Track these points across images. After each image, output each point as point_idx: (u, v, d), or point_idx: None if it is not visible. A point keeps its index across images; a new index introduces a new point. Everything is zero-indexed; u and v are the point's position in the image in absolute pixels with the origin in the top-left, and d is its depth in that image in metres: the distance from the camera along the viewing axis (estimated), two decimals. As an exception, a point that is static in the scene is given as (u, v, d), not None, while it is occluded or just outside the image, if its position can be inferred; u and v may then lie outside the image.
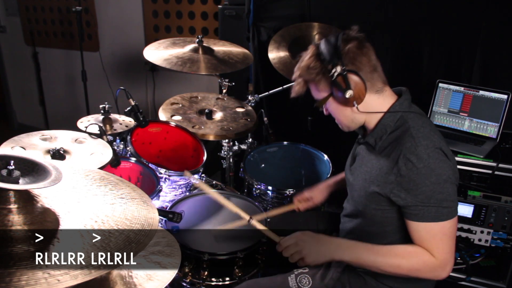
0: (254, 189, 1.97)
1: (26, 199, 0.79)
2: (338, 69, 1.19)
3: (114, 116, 1.85)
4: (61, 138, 1.53)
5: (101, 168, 1.38)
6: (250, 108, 2.32)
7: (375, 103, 1.26)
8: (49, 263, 0.71)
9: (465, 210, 1.99)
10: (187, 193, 1.91)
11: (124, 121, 1.86)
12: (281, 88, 2.40)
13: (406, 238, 1.24)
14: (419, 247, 1.20)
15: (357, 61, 1.20)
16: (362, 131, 1.40)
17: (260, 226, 1.42)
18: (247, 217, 1.42)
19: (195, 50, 2.20)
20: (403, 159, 1.16)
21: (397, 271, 1.23)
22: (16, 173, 0.78)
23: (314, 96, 1.32)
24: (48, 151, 1.42)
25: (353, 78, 1.20)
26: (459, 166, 1.93)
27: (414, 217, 1.19)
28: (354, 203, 1.38)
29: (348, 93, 1.20)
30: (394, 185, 1.19)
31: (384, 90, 1.27)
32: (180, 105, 2.26)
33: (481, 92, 2.08)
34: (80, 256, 0.73)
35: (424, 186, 1.15)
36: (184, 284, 1.54)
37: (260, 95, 2.43)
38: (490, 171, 1.90)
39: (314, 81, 1.27)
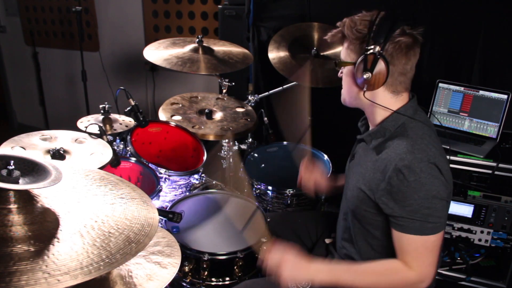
0: (254, 189, 1.97)
1: (26, 199, 0.79)
2: (376, 49, 1.16)
3: (114, 116, 1.85)
4: (61, 138, 1.53)
5: (101, 168, 1.38)
6: (250, 108, 2.32)
7: (386, 101, 1.24)
8: (49, 263, 0.71)
9: (465, 210, 1.99)
10: (187, 193, 1.91)
11: (124, 121, 1.87)
12: (281, 88, 2.41)
13: None
14: (397, 261, 1.20)
15: (396, 55, 1.17)
16: (364, 128, 1.40)
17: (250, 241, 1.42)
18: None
19: (195, 50, 2.20)
20: (395, 170, 1.15)
21: None
22: (16, 173, 0.78)
23: (341, 54, 1.28)
24: (48, 151, 1.42)
25: (381, 66, 1.17)
26: (459, 166, 1.94)
27: (398, 227, 1.18)
28: (347, 202, 1.38)
29: (367, 75, 1.18)
30: (383, 193, 1.19)
31: (401, 95, 1.25)
32: (180, 105, 2.26)
33: (481, 92, 2.08)
34: (80, 256, 0.73)
35: (412, 200, 1.14)
36: (184, 284, 1.54)
37: (260, 95, 2.44)
38: (490, 171, 1.90)
39: (350, 41, 1.24)
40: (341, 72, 1.31)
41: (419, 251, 1.18)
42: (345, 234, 1.42)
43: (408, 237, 1.17)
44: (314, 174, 1.67)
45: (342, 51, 1.28)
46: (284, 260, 1.27)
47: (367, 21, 1.21)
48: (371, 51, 1.16)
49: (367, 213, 1.28)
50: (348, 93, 1.30)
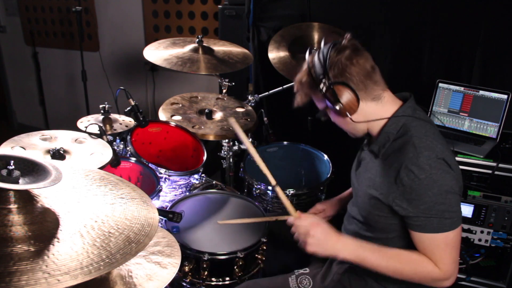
0: (254, 189, 1.97)
1: (26, 199, 0.79)
2: (326, 82, 1.20)
3: (114, 116, 1.85)
4: (61, 138, 1.53)
5: (101, 168, 1.38)
6: (250, 108, 2.32)
7: (374, 111, 1.26)
8: (49, 263, 0.71)
9: (465, 210, 1.99)
10: (187, 193, 1.91)
11: (124, 121, 1.86)
12: (281, 88, 2.41)
13: (410, 245, 1.23)
14: (424, 256, 1.20)
15: (346, 72, 1.19)
16: (368, 137, 1.40)
17: (282, 195, 1.41)
18: (273, 182, 1.42)
19: (195, 50, 2.20)
20: (405, 170, 1.15)
21: (399, 276, 1.22)
22: (16, 173, 0.78)
23: (317, 106, 1.33)
24: (48, 151, 1.42)
25: (342, 90, 1.20)
26: (459, 166, 1.94)
27: (416, 227, 1.18)
28: (358, 208, 1.38)
29: (338, 106, 1.21)
30: (396, 195, 1.18)
31: (383, 96, 1.26)
32: (180, 105, 2.26)
33: (481, 92, 2.08)
34: (80, 256, 0.73)
35: (426, 197, 1.14)
36: (184, 284, 1.54)
37: (260, 95, 2.44)
38: (490, 171, 1.90)
39: (311, 94, 1.29)
40: (332, 118, 1.34)
41: (441, 249, 1.17)
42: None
43: (428, 236, 1.17)
44: (322, 214, 1.69)
45: (316, 105, 1.33)
46: (315, 226, 1.28)
47: (305, 70, 1.28)
48: (324, 87, 1.20)
49: (380, 218, 1.27)
50: (346, 128, 1.34)
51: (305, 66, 1.29)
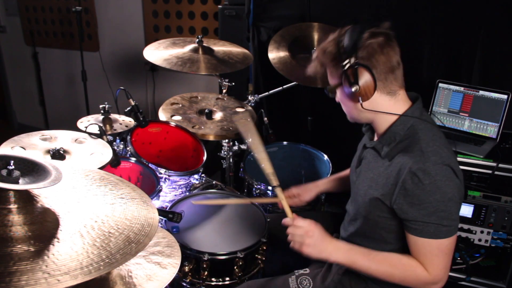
0: (254, 189, 1.97)
1: (26, 199, 0.79)
2: (351, 61, 1.16)
3: (114, 116, 1.85)
4: (61, 138, 1.53)
5: (101, 168, 1.38)
6: (250, 108, 2.32)
7: (386, 105, 1.24)
8: (49, 263, 0.71)
9: (465, 210, 1.98)
10: (187, 193, 1.91)
11: (124, 121, 1.86)
12: (281, 88, 2.41)
13: (407, 247, 1.23)
14: (414, 260, 1.20)
15: (374, 58, 1.17)
16: (370, 134, 1.39)
17: (282, 196, 1.42)
18: (276, 182, 1.42)
19: (195, 50, 2.20)
20: (409, 173, 1.14)
21: (390, 279, 1.23)
22: (16, 173, 0.78)
23: (329, 80, 1.30)
24: (48, 151, 1.42)
25: (364, 74, 1.17)
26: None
27: (413, 231, 1.18)
28: (357, 207, 1.37)
29: (354, 88, 1.18)
30: (397, 197, 1.18)
31: (398, 93, 1.24)
32: (180, 105, 2.26)
33: (481, 92, 2.08)
34: (80, 256, 0.73)
35: (427, 203, 1.14)
36: (184, 284, 1.54)
37: (260, 95, 2.44)
38: (490, 171, 1.90)
39: (328, 66, 1.25)
40: (337, 97, 1.32)
41: (434, 254, 1.18)
42: (355, 239, 1.40)
43: (423, 240, 1.17)
44: (296, 199, 1.70)
45: (328, 78, 1.30)
46: (313, 228, 1.29)
47: (333, 41, 1.23)
48: (348, 64, 1.17)
49: (380, 218, 1.27)
50: (350, 112, 1.31)
51: (333, 37, 1.24)
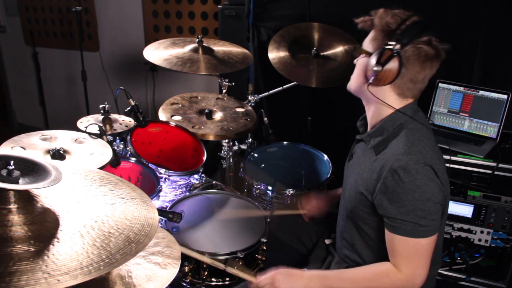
0: (254, 189, 1.97)
1: (26, 199, 0.79)
2: (397, 47, 1.15)
3: (114, 116, 1.85)
4: (61, 138, 1.53)
5: (101, 168, 1.38)
6: (250, 108, 2.32)
7: (389, 100, 1.24)
8: (49, 263, 0.71)
9: (465, 210, 1.99)
10: (187, 193, 1.91)
11: (124, 121, 1.86)
12: (281, 88, 2.41)
13: None
14: (388, 265, 1.21)
15: (412, 60, 1.17)
16: (363, 129, 1.40)
17: (234, 271, 1.38)
18: (221, 266, 1.38)
19: (195, 50, 2.20)
20: (391, 170, 1.15)
21: None
22: (16, 173, 0.78)
23: (363, 42, 1.28)
24: (48, 151, 1.42)
25: (393, 65, 1.16)
26: (459, 166, 1.94)
27: (391, 228, 1.19)
28: (345, 202, 1.38)
29: (377, 67, 1.17)
30: (378, 193, 1.19)
31: (407, 100, 1.25)
32: (180, 105, 2.26)
33: (481, 92, 2.08)
34: (80, 256, 0.73)
35: (406, 201, 1.14)
36: (184, 284, 1.54)
37: (260, 95, 2.44)
38: (490, 171, 1.90)
39: (375, 31, 1.24)
40: (357, 60, 1.31)
41: (409, 253, 1.18)
42: (344, 234, 1.42)
43: (399, 238, 1.17)
44: (317, 208, 1.69)
45: (366, 39, 1.27)
46: (276, 276, 1.28)
47: (399, 17, 1.20)
48: (390, 46, 1.16)
49: (364, 213, 1.28)
50: (355, 81, 1.30)
51: (402, 15, 1.20)
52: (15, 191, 0.77)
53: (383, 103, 1.24)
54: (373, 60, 1.19)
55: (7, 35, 4.25)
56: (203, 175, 2.05)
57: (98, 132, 1.63)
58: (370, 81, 1.21)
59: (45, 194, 0.85)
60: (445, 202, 1.21)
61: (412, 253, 1.18)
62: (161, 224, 1.58)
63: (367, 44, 1.26)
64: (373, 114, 1.30)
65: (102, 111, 1.81)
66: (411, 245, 1.17)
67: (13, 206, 0.77)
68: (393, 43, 1.16)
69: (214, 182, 2.10)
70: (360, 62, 1.28)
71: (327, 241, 1.62)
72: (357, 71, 1.29)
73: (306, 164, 2.24)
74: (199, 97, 2.35)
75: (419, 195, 1.13)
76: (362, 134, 1.38)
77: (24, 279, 0.67)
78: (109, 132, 1.75)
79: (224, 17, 2.80)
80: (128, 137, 1.91)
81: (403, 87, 1.21)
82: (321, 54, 2.33)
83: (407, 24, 1.18)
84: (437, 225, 1.18)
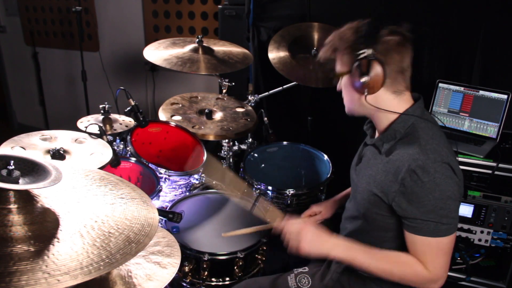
0: (254, 189, 1.97)
1: (26, 199, 0.79)
2: (368, 52, 1.17)
3: (114, 116, 1.85)
4: (61, 138, 1.53)
5: (101, 168, 1.38)
6: (250, 108, 2.32)
7: (389, 103, 1.24)
8: (49, 263, 0.71)
9: (465, 210, 1.99)
10: (187, 193, 1.91)
11: (124, 121, 1.86)
12: (281, 88, 2.41)
13: (405, 246, 1.23)
14: (413, 257, 1.20)
15: (389, 54, 1.17)
16: (371, 131, 1.39)
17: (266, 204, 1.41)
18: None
19: (195, 50, 2.20)
20: (408, 171, 1.14)
21: (389, 277, 1.23)
22: (16, 173, 0.78)
23: (336, 68, 1.29)
24: (48, 151, 1.42)
25: (376, 68, 1.17)
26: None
27: (412, 229, 1.18)
28: (356, 205, 1.37)
29: (364, 79, 1.18)
30: (396, 194, 1.18)
31: (404, 94, 1.25)
32: (180, 105, 2.26)
33: (481, 92, 2.08)
34: (80, 256, 0.73)
35: (426, 200, 1.14)
36: (184, 284, 1.54)
37: (260, 95, 2.44)
38: (490, 171, 1.90)
39: (341, 52, 1.25)
40: (340, 85, 1.31)
41: (433, 253, 1.17)
42: (351, 236, 1.40)
43: (422, 239, 1.17)
44: (318, 216, 1.68)
45: (336, 64, 1.29)
46: (305, 228, 1.29)
47: (353, 28, 1.22)
48: (364, 55, 1.17)
49: (378, 216, 1.27)
50: (350, 102, 1.30)
51: (352, 25, 1.23)
52: (15, 191, 0.77)
53: (385, 111, 1.24)
54: (356, 74, 1.20)
55: (7, 35, 4.25)
56: (203, 175, 2.05)
57: (98, 132, 1.63)
58: (366, 93, 1.21)
59: (45, 194, 0.85)
60: (461, 199, 1.21)
61: (435, 253, 1.17)
62: (161, 224, 1.58)
63: (341, 67, 1.27)
64: (380, 121, 1.29)
65: (102, 111, 1.81)
66: (433, 244, 1.16)
67: (13, 206, 0.77)
68: (363, 50, 1.17)
69: (214, 182, 2.10)
70: (344, 83, 1.29)
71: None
72: (347, 91, 1.30)
73: (306, 164, 2.24)
74: (199, 97, 2.35)
75: (439, 193, 1.13)
76: (371, 137, 1.37)
77: (24, 279, 0.67)
78: (109, 132, 1.75)
79: (224, 17, 2.80)
80: (128, 137, 1.91)
81: (395, 83, 1.22)
82: (321, 54, 2.32)
83: (363, 29, 1.20)
84: (457, 223, 1.18)
